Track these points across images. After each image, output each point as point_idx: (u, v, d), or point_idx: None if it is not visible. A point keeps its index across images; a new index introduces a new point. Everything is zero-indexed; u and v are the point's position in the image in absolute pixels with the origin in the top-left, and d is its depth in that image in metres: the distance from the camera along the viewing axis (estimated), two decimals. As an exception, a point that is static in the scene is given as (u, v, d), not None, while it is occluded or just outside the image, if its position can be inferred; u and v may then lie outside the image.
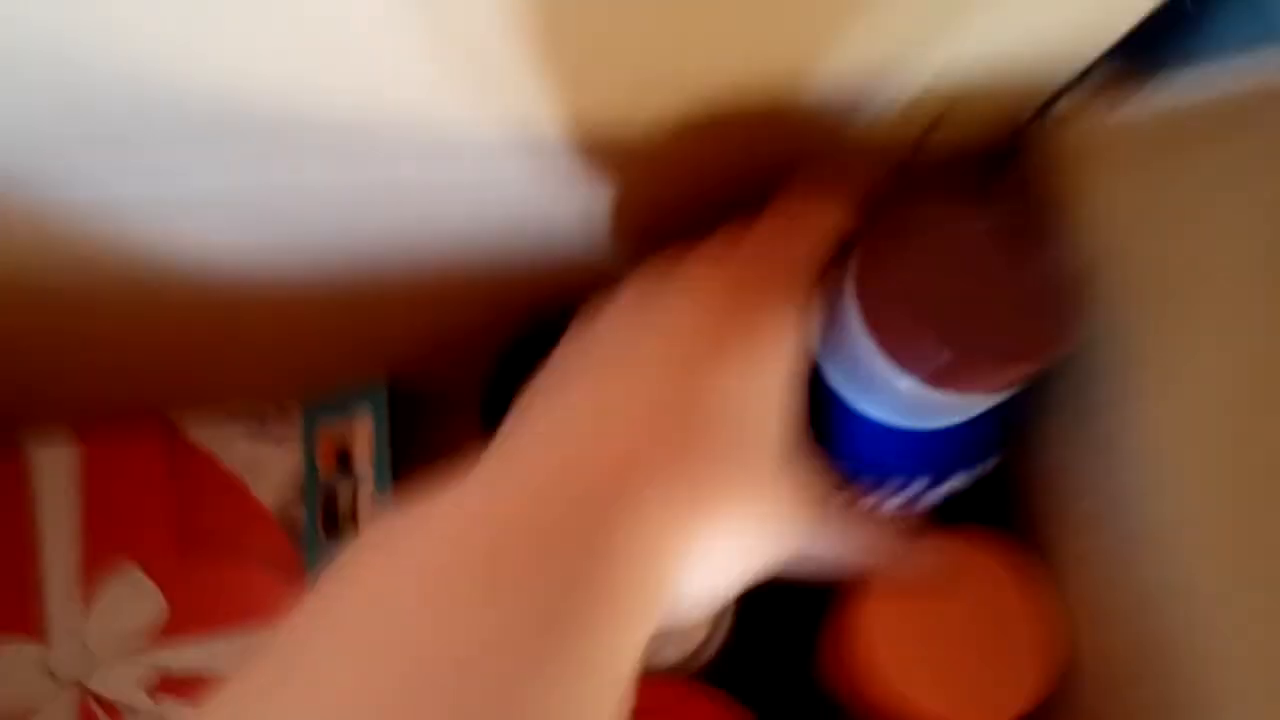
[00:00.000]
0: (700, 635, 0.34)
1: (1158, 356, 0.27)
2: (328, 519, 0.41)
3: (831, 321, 0.28)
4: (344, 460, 0.41)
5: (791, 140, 0.30)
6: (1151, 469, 0.27)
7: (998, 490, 0.33)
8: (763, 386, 0.27)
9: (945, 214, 0.27)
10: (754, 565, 0.27)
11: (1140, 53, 0.28)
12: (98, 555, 0.41)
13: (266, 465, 0.41)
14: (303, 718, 0.19)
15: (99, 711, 0.40)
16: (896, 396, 0.27)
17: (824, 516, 0.29)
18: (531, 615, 0.20)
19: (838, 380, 0.29)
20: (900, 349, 0.26)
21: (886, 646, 0.31)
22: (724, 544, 0.26)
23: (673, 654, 0.34)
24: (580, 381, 0.27)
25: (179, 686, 0.40)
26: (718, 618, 0.34)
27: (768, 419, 0.27)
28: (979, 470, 0.31)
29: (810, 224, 0.29)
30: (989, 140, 0.30)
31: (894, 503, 0.31)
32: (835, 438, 0.30)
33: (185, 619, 0.40)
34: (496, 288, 0.38)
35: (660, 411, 0.25)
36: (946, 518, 0.32)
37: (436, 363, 0.42)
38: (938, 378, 0.26)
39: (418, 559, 0.22)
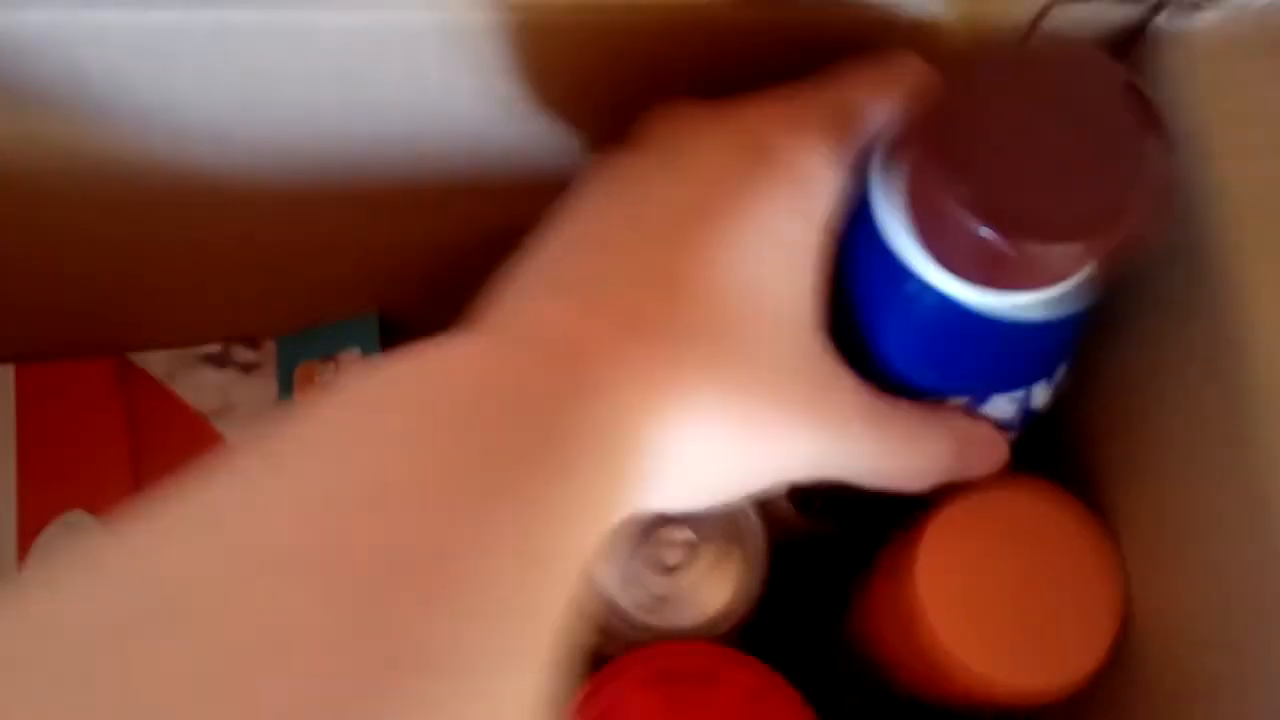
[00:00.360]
0: (719, 603, 0.31)
1: (1264, 278, 0.24)
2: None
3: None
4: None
5: (822, 17, 0.25)
6: (1248, 405, 0.24)
7: (1043, 438, 0.29)
8: (780, 260, 0.23)
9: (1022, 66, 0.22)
10: (764, 466, 0.24)
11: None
12: (39, 501, 0.37)
13: (238, 406, 0.38)
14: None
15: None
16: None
17: (870, 418, 0.25)
18: (480, 479, 0.19)
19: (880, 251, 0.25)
20: (937, 227, 0.22)
21: (935, 601, 0.27)
22: (712, 432, 0.23)
23: (687, 620, 0.30)
24: (557, 259, 0.24)
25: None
26: (740, 588, 0.31)
27: (783, 297, 0.23)
28: (1029, 391, 0.27)
29: (886, 75, 0.25)
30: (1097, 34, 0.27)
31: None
32: (866, 330, 0.26)
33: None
34: (497, 218, 0.34)
35: (637, 285, 0.23)
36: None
37: (429, 301, 0.38)
38: (983, 267, 0.22)
39: (365, 411, 0.20)
